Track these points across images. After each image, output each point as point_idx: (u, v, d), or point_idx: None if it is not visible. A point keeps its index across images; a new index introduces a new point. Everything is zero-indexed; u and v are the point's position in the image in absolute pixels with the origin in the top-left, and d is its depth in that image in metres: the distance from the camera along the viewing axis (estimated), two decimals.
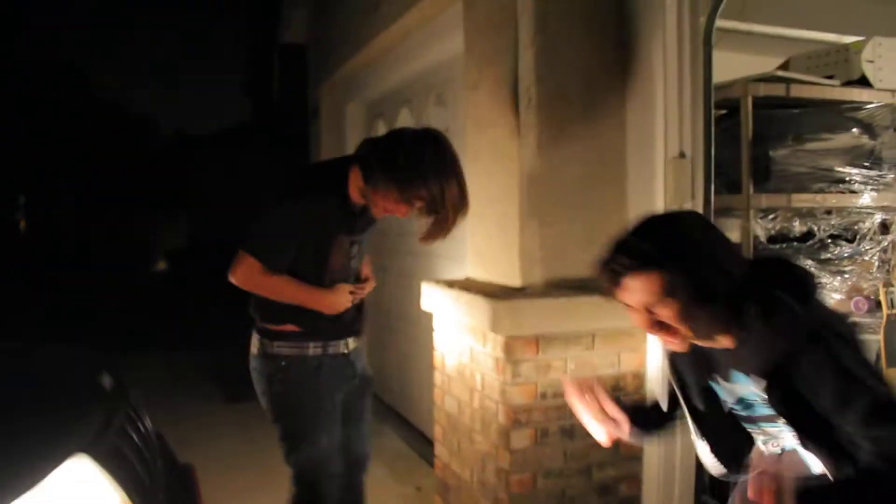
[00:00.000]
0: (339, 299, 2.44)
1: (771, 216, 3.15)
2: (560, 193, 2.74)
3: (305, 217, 2.29)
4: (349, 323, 2.54)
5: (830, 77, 3.26)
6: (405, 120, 4.72)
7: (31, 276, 13.93)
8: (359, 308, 2.59)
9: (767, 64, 3.39)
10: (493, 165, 2.86)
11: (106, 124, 19.47)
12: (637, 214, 2.75)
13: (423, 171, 2.18)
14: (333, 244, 2.38)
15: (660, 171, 2.65)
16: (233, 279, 2.34)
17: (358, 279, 2.56)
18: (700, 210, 2.71)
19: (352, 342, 2.56)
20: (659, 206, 2.67)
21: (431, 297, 3.18)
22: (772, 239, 3.32)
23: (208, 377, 6.58)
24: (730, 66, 3.06)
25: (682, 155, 2.62)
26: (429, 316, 3.29)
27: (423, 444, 4.33)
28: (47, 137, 18.78)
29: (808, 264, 3.28)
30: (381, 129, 5.12)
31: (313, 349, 2.47)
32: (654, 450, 2.84)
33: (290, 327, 2.45)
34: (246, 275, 2.32)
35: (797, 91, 3.10)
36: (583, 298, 2.68)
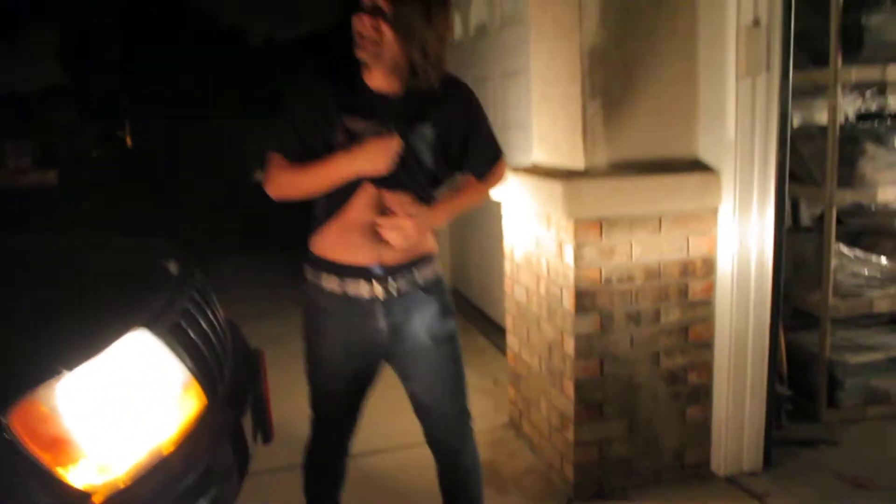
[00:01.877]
0: (367, 150, 1.90)
1: (863, 90, 2.93)
2: (625, 70, 2.61)
3: (300, 96, 2.02)
4: (375, 254, 1.99)
5: None
6: (479, 7, 4.58)
7: (138, 187, 14.56)
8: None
9: None
10: (556, 43, 2.73)
11: (198, 36, 19.81)
12: (709, 87, 2.63)
13: None
14: (337, 124, 1.95)
15: (731, 41, 2.48)
16: (266, 189, 2.06)
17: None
18: (776, 86, 2.54)
19: (380, 286, 2.00)
20: (731, 79, 2.51)
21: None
22: (863, 117, 3.10)
23: (294, 278, 6.79)
24: None
25: (756, 23, 2.44)
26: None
27: (500, 337, 4.37)
28: (144, 54, 19.28)
29: None
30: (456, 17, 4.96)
31: (328, 282, 2.04)
32: (725, 336, 2.77)
33: (314, 245, 2.09)
34: (270, 176, 2.03)
35: None
36: (647, 179, 2.59)
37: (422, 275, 2.07)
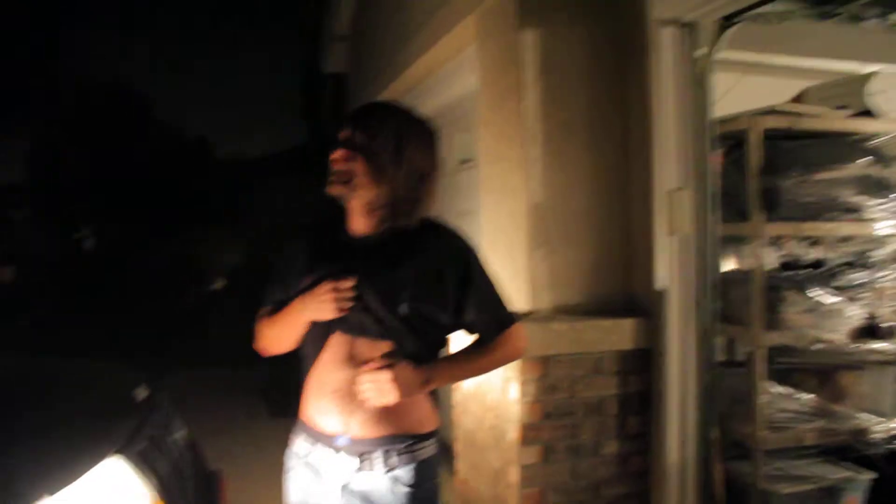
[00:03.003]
0: (315, 295, 1.79)
1: (781, 244, 3.24)
2: (566, 223, 2.89)
3: (283, 250, 1.99)
4: (343, 423, 1.81)
5: (843, 107, 3.34)
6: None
7: (92, 293, 14.51)
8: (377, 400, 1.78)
9: (792, 87, 3.46)
10: (503, 197, 3.02)
11: (163, 149, 20.18)
12: (641, 241, 2.91)
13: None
14: (309, 268, 1.87)
15: (662, 201, 2.77)
16: (255, 346, 2.04)
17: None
18: (703, 239, 2.83)
19: (344, 461, 1.82)
20: (661, 235, 2.80)
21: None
22: (784, 266, 3.39)
23: (256, 393, 6.82)
24: (758, 88, 3.20)
25: (679, 187, 2.75)
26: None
27: (450, 458, 4.47)
28: (108, 158, 19.54)
29: (823, 291, 3.35)
30: None
31: (297, 445, 1.96)
32: (664, 466, 2.94)
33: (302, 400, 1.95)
34: (256, 331, 2.00)
35: (808, 122, 3.18)
36: (588, 322, 2.82)
37: (399, 459, 1.82)
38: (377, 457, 1.81)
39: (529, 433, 2.81)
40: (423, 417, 1.88)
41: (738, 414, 3.60)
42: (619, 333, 2.85)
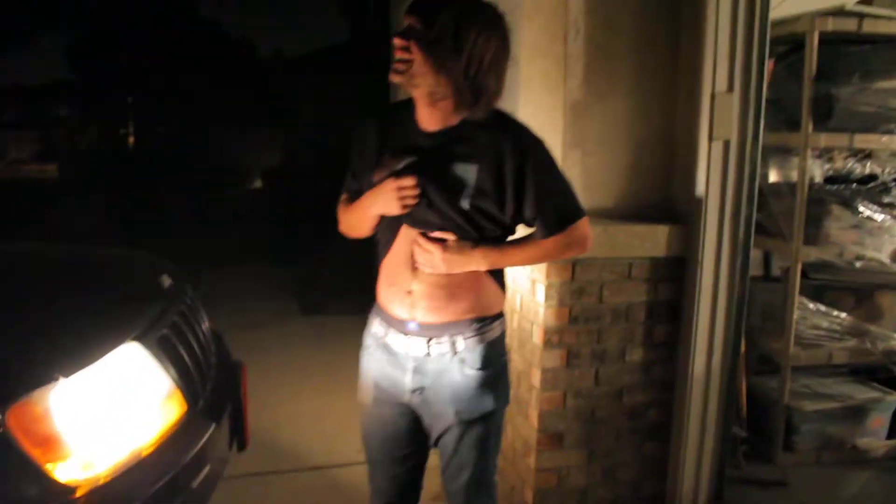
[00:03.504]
0: (380, 192, 1.84)
1: (830, 156, 3.11)
2: (605, 124, 2.78)
3: (355, 132, 1.99)
4: (410, 310, 1.90)
5: None
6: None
7: (137, 189, 14.71)
8: (443, 291, 1.86)
9: None
10: (542, 95, 2.91)
11: (207, 45, 20.04)
12: (682, 146, 2.80)
13: None
14: (377, 160, 1.88)
15: (706, 105, 2.65)
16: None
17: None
18: (747, 146, 2.71)
19: (413, 342, 1.92)
20: (703, 140, 2.69)
21: None
22: (830, 179, 3.27)
23: (289, 290, 6.92)
24: None
25: (729, 89, 2.61)
26: None
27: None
28: (153, 57, 19.48)
29: (869, 207, 3.23)
30: None
31: (375, 325, 2.02)
32: (687, 377, 2.92)
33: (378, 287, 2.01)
34: (338, 214, 2.06)
35: (871, 26, 3.00)
36: (620, 227, 2.75)
37: (466, 342, 1.90)
38: (444, 340, 1.89)
39: (553, 336, 2.79)
40: (489, 300, 1.94)
41: (768, 329, 3.56)
42: (653, 240, 2.78)
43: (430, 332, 1.89)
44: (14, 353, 1.74)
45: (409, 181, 1.78)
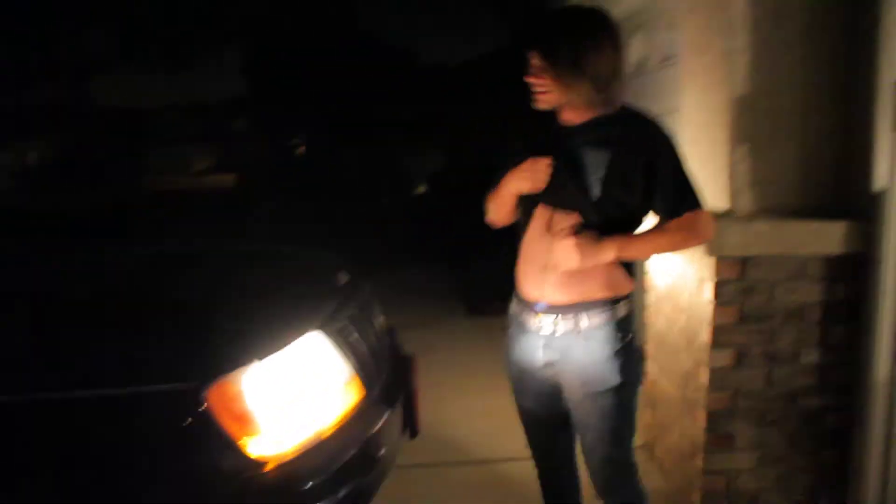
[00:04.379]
0: (518, 170, 2.07)
1: None
2: (773, 119, 2.70)
3: (505, 157, 2.20)
4: (540, 291, 2.10)
5: None
6: (638, 45, 4.71)
7: (305, 197, 15.54)
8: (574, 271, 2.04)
9: None
10: (706, 91, 2.86)
11: (371, 57, 20.85)
12: (859, 138, 2.67)
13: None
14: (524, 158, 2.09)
15: (885, 95, 2.51)
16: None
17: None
18: None
19: (542, 321, 2.11)
20: (883, 131, 2.55)
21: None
22: None
23: (457, 292, 7.09)
24: None
25: None
26: None
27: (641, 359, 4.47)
28: (320, 71, 20.52)
29: None
30: None
31: (513, 307, 2.24)
32: (873, 382, 2.77)
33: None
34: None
35: None
36: (790, 224, 2.66)
37: (589, 321, 2.06)
38: (570, 318, 2.06)
39: (722, 335, 2.74)
40: (615, 282, 2.08)
41: None
42: (827, 236, 2.67)
43: (556, 310, 2.07)
44: (215, 338, 1.95)
45: (543, 160, 2.01)
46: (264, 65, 22.52)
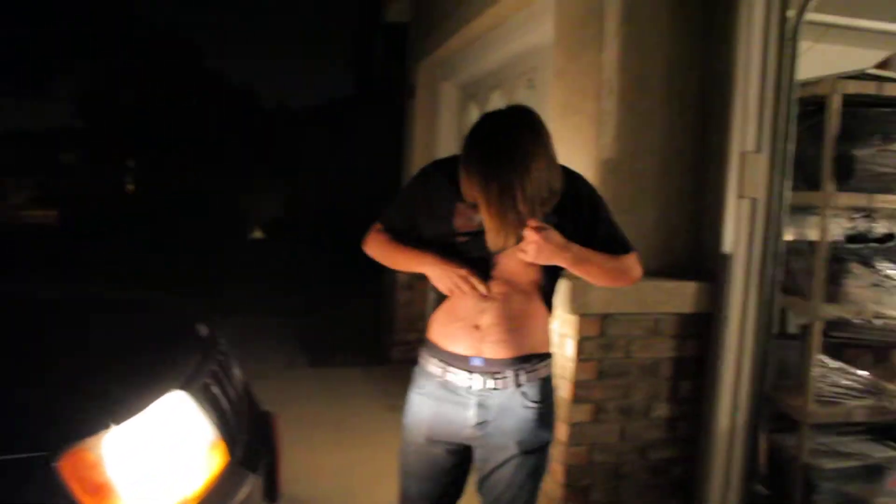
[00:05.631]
0: (442, 270, 1.95)
1: (851, 215, 3.15)
2: (636, 181, 2.83)
3: (423, 177, 2.07)
4: (476, 346, 1.98)
5: None
6: (496, 103, 4.85)
7: (135, 236, 14.73)
8: (512, 327, 1.97)
9: (877, 57, 3.35)
10: (573, 151, 2.95)
11: (213, 95, 20.30)
12: (710, 203, 2.84)
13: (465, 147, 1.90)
14: (454, 209, 1.96)
15: (734, 164, 2.71)
16: (363, 246, 2.16)
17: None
18: (774, 205, 2.76)
19: (478, 378, 1.98)
20: (731, 197, 2.73)
21: None
22: (850, 238, 3.31)
23: (295, 342, 6.88)
24: (830, 58, 3.08)
25: (757, 149, 2.67)
26: None
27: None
28: (158, 106, 19.73)
29: (887, 266, 3.26)
30: (473, 112, 5.26)
31: (434, 365, 2.05)
32: (713, 433, 2.91)
33: (428, 328, 2.09)
34: (370, 239, 2.13)
35: (891, 90, 3.07)
36: (649, 283, 2.78)
37: (526, 376, 2.00)
38: (508, 375, 1.98)
39: (582, 391, 2.80)
40: (544, 337, 2.06)
41: (785, 386, 3.55)
42: (681, 296, 2.81)
43: (493, 367, 1.98)
44: (65, 401, 1.73)
45: (477, 284, 1.92)
46: (99, 96, 21.29)
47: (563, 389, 2.83)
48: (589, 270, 2.02)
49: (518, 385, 1.99)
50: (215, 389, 2.13)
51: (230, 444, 2.06)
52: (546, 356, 2.06)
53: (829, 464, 3.48)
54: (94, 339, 2.16)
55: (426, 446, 2.07)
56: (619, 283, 2.10)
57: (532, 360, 2.01)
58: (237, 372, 2.50)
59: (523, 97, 4.34)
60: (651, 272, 2.85)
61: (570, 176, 2.05)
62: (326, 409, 4.81)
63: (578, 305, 2.70)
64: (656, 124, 2.83)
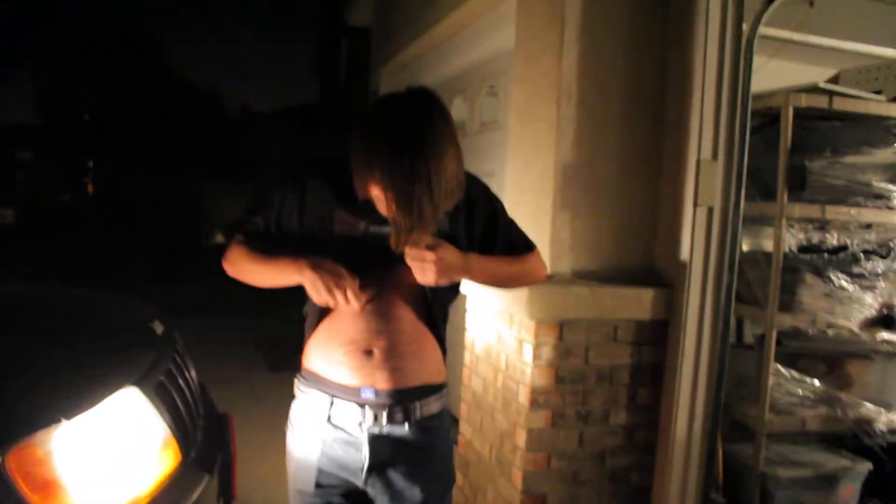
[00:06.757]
0: (319, 274, 1.64)
1: (804, 226, 3.21)
2: (594, 187, 2.86)
3: (296, 184, 1.80)
4: (368, 375, 1.73)
5: (879, 92, 3.30)
6: (459, 108, 4.86)
7: (94, 237, 14.47)
8: (396, 354, 1.73)
9: (827, 74, 3.44)
10: (532, 157, 2.98)
11: (174, 96, 20.09)
12: (667, 211, 2.88)
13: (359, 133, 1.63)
14: (334, 216, 1.76)
15: (691, 171, 2.74)
16: (224, 265, 1.90)
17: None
18: (730, 213, 2.80)
19: (370, 414, 1.74)
20: (688, 205, 2.77)
21: (465, 282, 3.31)
22: (803, 249, 3.37)
23: (254, 345, 6.83)
24: (784, 73, 3.14)
25: (713, 157, 2.71)
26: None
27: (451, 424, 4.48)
28: (118, 105, 19.46)
29: (840, 277, 3.33)
30: None
31: (316, 400, 1.81)
32: (670, 441, 2.94)
33: (304, 354, 1.87)
34: (230, 255, 1.86)
35: (841, 104, 3.14)
36: (606, 289, 2.80)
37: (423, 409, 1.78)
38: (406, 409, 1.76)
39: (540, 397, 2.80)
40: (439, 368, 1.85)
41: (741, 395, 3.60)
42: (639, 303, 2.83)
43: (386, 398, 1.74)
44: (15, 396, 1.70)
45: (354, 290, 1.64)
46: (59, 93, 20.91)
47: (521, 395, 2.83)
48: (491, 280, 1.90)
49: (412, 418, 1.76)
50: (170, 388, 2.10)
51: (184, 443, 2.04)
52: (442, 386, 1.86)
53: (785, 473, 3.53)
54: (48, 335, 2.11)
55: (317, 496, 1.80)
56: (524, 285, 1.96)
57: (433, 390, 1.81)
58: (193, 372, 2.47)
59: (485, 103, 4.36)
60: (609, 279, 2.88)
61: (472, 177, 1.83)
62: (285, 415, 4.76)
63: (535, 310, 2.71)
64: (615, 131, 2.86)
